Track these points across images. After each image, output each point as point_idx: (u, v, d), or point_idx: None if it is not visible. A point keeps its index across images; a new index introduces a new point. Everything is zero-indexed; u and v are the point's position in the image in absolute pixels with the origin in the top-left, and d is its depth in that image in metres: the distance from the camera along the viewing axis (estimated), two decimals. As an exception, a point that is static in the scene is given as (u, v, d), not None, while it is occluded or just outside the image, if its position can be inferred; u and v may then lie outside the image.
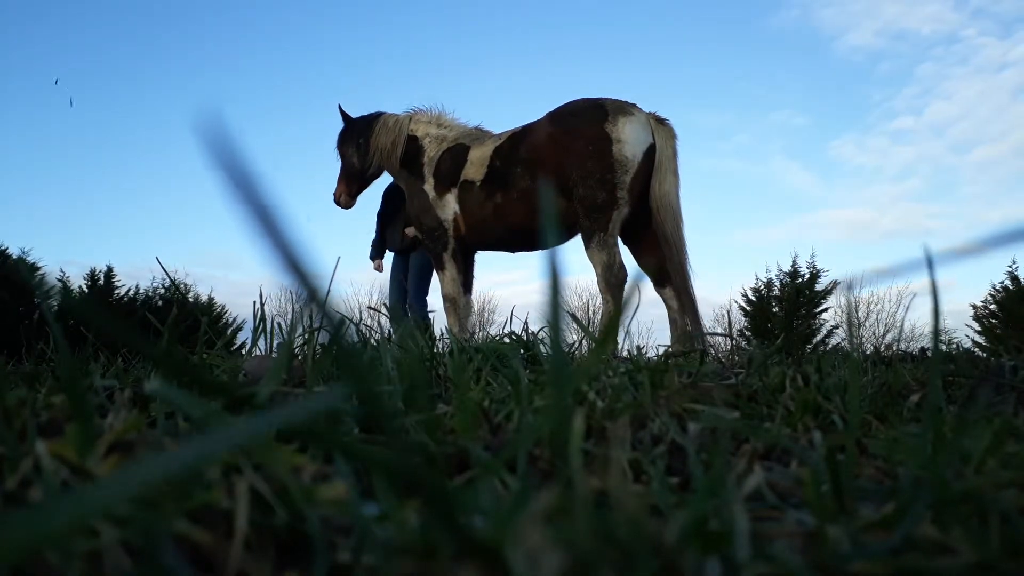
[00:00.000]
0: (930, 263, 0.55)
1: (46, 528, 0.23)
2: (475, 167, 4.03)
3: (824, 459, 0.53)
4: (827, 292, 18.51)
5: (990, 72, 28.82)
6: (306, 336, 1.31)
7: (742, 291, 19.70)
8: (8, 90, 29.61)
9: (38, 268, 13.11)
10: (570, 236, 3.79)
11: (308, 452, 0.58)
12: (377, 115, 4.63)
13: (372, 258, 5.74)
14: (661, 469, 0.59)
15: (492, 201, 3.93)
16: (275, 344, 1.49)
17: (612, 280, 3.56)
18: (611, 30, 35.94)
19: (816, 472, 0.52)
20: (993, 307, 16.84)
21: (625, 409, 0.83)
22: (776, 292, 19.24)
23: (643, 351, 1.72)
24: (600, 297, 3.71)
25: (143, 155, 34.04)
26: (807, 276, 18.91)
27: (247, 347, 1.72)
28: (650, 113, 3.73)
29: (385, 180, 5.01)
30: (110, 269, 15.87)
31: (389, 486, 0.45)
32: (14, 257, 12.80)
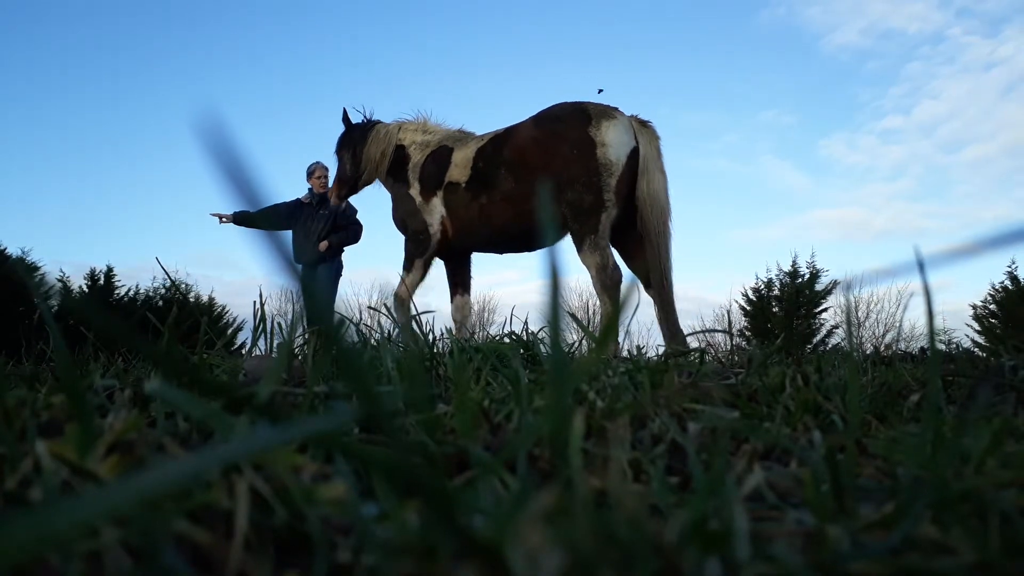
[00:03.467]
0: (922, 266, 0.55)
1: (52, 530, 0.23)
2: (459, 169, 4.07)
3: (824, 459, 0.53)
4: (827, 292, 18.51)
5: (977, 71, 28.85)
6: (306, 336, 1.31)
7: (742, 291, 19.70)
8: (8, 91, 29.63)
9: (37, 268, 13.11)
10: (558, 238, 3.83)
11: (308, 452, 0.58)
12: (372, 125, 4.72)
13: (232, 218, 6.05)
14: (661, 469, 0.59)
15: (477, 202, 3.97)
16: (275, 344, 1.49)
17: (607, 281, 3.58)
18: (598, 31, 36.01)
19: (816, 472, 0.52)
20: (993, 307, 16.84)
21: (625, 409, 0.83)
22: (776, 292, 19.24)
23: (643, 351, 1.72)
24: (598, 298, 3.72)
25: (141, 155, 34.06)
26: (807, 276, 18.92)
27: (247, 347, 1.72)
28: (632, 116, 3.77)
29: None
30: (110, 269, 15.85)
31: (389, 486, 0.45)
32: (13, 257, 12.79)
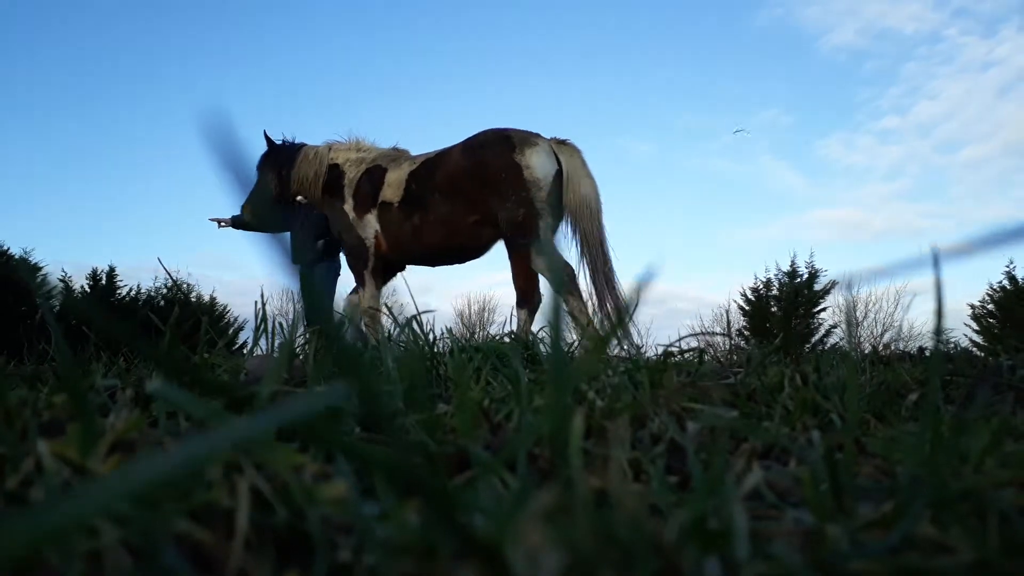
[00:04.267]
0: (936, 262, 0.55)
1: (47, 527, 0.23)
2: (392, 189, 4.32)
3: (823, 458, 0.53)
4: (825, 292, 18.51)
5: (975, 71, 28.90)
6: (307, 336, 1.31)
7: (741, 291, 19.71)
8: (11, 91, 29.59)
9: (40, 268, 13.10)
10: (483, 254, 4.26)
11: (309, 451, 0.58)
12: (299, 147, 4.92)
13: (231, 223, 5.93)
14: (660, 468, 0.59)
15: (410, 222, 4.24)
16: (276, 344, 1.50)
17: (563, 279, 3.82)
18: (596, 31, 36.04)
19: (815, 471, 0.53)
20: (991, 307, 16.83)
21: (625, 409, 0.83)
22: (775, 292, 19.24)
23: (642, 351, 1.73)
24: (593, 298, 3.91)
25: (142, 155, 34.05)
26: (805, 276, 18.91)
27: (248, 347, 1.72)
28: (552, 138, 4.05)
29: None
30: (112, 269, 15.83)
31: (389, 486, 0.45)
32: (16, 257, 12.78)
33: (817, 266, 18.92)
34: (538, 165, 3.87)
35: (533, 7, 37.65)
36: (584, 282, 3.89)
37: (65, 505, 0.24)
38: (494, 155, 3.95)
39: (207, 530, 0.42)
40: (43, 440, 0.49)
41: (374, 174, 4.45)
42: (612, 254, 3.93)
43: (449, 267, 4.66)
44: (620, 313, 3.74)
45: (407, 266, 4.70)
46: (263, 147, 5.01)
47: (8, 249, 12.85)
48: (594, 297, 3.90)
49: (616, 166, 34.87)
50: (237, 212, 5.59)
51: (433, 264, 4.56)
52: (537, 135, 4.03)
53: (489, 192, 3.91)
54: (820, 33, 31.58)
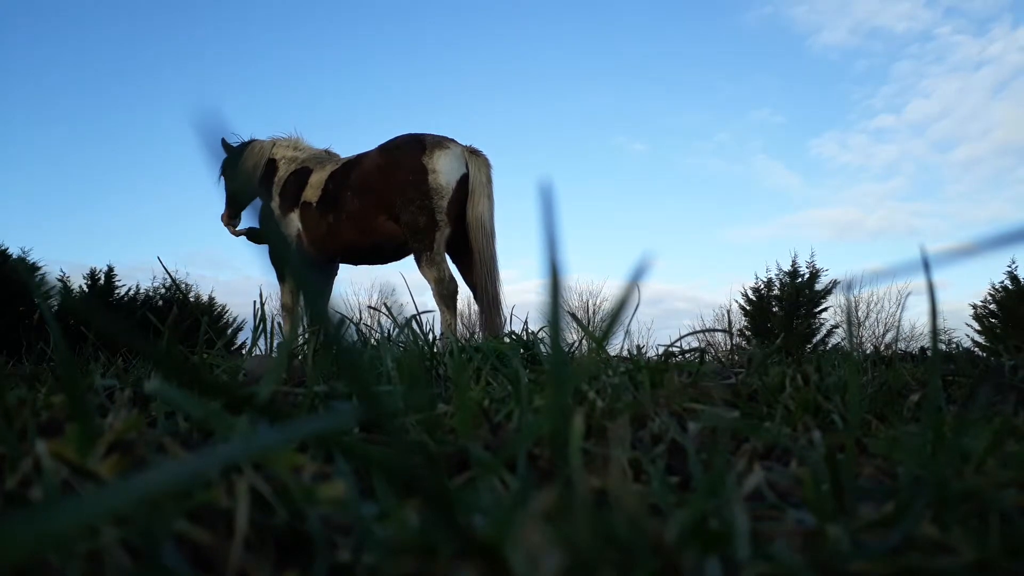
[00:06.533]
0: (927, 265, 0.55)
1: (52, 530, 0.23)
2: (313, 189, 4.52)
3: (824, 458, 0.53)
4: (827, 292, 18.53)
5: (967, 70, 28.85)
6: (306, 336, 1.31)
7: (742, 290, 19.74)
8: (9, 91, 29.64)
9: (38, 268, 13.11)
10: (403, 255, 4.34)
11: (308, 452, 0.58)
12: (248, 143, 5.06)
13: (245, 233, 5.80)
14: (661, 469, 0.59)
15: (326, 221, 4.41)
16: (275, 344, 1.49)
17: (444, 292, 4.00)
18: (588, 34, 36.03)
19: (816, 471, 0.52)
20: (993, 307, 16.84)
21: (625, 409, 0.83)
22: (776, 292, 19.25)
23: (643, 351, 1.72)
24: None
25: (140, 155, 34.12)
26: (807, 276, 18.93)
27: (247, 347, 1.72)
28: (466, 146, 4.22)
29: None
30: (110, 269, 15.86)
31: (389, 486, 0.45)
32: (14, 257, 12.79)
33: (818, 266, 18.95)
34: (444, 170, 4.01)
35: (529, 7, 37.66)
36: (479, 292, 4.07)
37: (72, 509, 0.23)
38: (404, 156, 4.09)
39: (207, 531, 0.42)
40: (42, 440, 0.49)
41: (301, 175, 4.65)
42: (500, 275, 4.13)
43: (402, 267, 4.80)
44: (499, 331, 3.94)
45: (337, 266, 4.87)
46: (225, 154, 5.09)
47: (6, 248, 12.87)
48: (480, 313, 4.09)
49: (612, 166, 34.93)
50: (254, 224, 5.55)
51: (355, 263, 4.69)
52: (451, 140, 4.19)
53: (396, 192, 4.06)
54: (810, 32, 31.55)
